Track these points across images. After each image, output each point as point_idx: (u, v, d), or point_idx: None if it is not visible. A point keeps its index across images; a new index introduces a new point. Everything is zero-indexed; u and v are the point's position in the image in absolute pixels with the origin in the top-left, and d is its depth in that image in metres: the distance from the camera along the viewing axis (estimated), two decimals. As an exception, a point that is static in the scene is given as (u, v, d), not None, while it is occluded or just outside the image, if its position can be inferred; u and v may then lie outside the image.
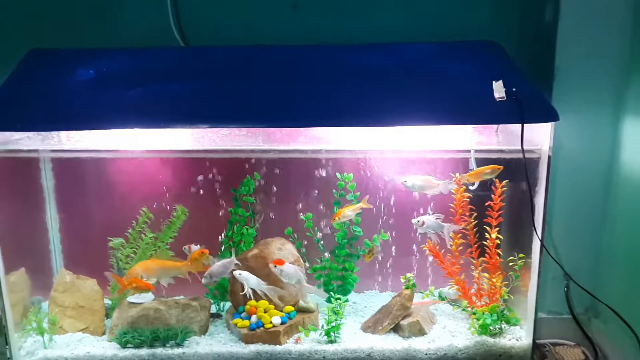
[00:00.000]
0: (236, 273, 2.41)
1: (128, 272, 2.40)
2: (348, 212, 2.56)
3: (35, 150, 2.59)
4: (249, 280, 2.41)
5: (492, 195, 2.47)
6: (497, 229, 2.48)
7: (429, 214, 2.69)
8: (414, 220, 2.48)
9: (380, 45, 2.46)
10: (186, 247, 2.54)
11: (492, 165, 2.38)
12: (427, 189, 2.47)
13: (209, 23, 2.67)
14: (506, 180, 2.45)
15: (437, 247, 2.59)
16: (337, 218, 2.56)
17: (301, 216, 2.70)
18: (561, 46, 2.36)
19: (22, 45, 2.45)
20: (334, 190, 2.67)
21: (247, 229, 2.71)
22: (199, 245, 2.55)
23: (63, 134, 2.40)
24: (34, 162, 2.68)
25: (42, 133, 2.40)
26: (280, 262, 2.40)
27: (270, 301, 2.49)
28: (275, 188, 2.74)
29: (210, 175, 2.72)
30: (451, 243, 2.54)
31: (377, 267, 2.87)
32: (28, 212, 2.71)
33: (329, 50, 2.44)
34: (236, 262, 2.45)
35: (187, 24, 2.64)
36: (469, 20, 2.64)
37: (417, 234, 2.68)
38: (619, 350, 2.42)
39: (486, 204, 2.49)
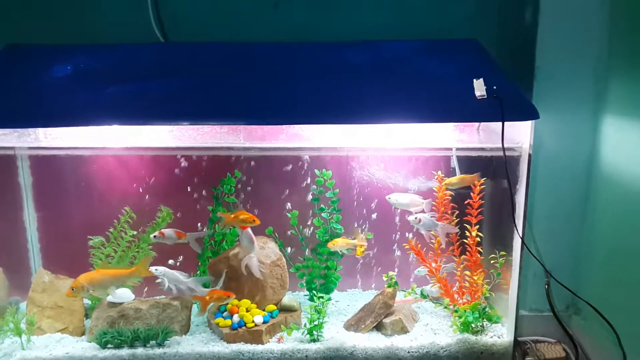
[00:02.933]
0: (152, 269, 2.40)
1: (73, 284, 2.34)
2: (342, 244, 2.59)
3: (12, 148, 2.55)
4: (167, 274, 2.40)
5: (472, 193, 2.48)
6: (477, 226, 2.49)
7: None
8: (410, 218, 2.49)
9: (361, 43, 2.45)
10: (156, 233, 2.50)
11: (472, 176, 2.46)
12: (411, 206, 2.53)
13: (189, 19, 2.64)
14: (485, 178, 2.46)
15: (419, 245, 2.59)
16: (330, 245, 2.59)
17: (288, 214, 2.69)
18: (541, 45, 2.37)
19: (-1, 40, 2.41)
20: (313, 187, 2.67)
21: (230, 229, 2.69)
22: (173, 230, 2.53)
23: (40, 131, 2.36)
24: (11, 159, 2.64)
25: (19, 130, 2.36)
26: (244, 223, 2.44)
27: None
28: (256, 186, 2.73)
29: (191, 173, 2.70)
30: (433, 241, 2.55)
31: (359, 265, 2.87)
32: (5, 211, 2.68)
33: (309, 47, 2.43)
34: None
35: (167, 19, 2.62)
36: (450, 19, 2.65)
37: (404, 223, 2.68)
38: (599, 346, 2.44)
39: (466, 202, 2.50)
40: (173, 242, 2.52)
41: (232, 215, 2.45)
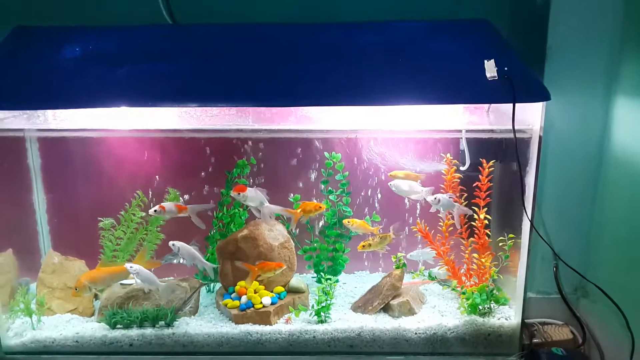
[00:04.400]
0: (127, 265, 2.39)
1: (75, 284, 2.36)
2: (359, 226, 2.61)
3: (21, 130, 2.55)
4: (141, 273, 2.40)
5: (480, 176, 2.47)
6: (486, 209, 2.48)
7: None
8: (429, 198, 2.49)
9: (370, 24, 2.42)
10: (157, 207, 2.46)
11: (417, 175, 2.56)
12: (411, 194, 2.55)
13: (197, 1, 2.62)
14: (493, 161, 2.44)
15: (427, 227, 2.59)
16: (346, 222, 2.61)
17: (290, 198, 2.69)
18: (553, 26, 2.34)
19: (6, 22, 2.39)
20: (322, 170, 2.66)
21: (239, 211, 2.69)
22: (173, 203, 2.51)
23: (49, 112, 2.36)
24: (20, 141, 2.64)
25: (28, 112, 2.36)
26: (242, 188, 2.43)
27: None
28: (266, 168, 2.74)
29: (199, 155, 2.70)
30: (445, 223, 2.56)
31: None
32: (15, 193, 2.69)
33: (318, 28, 2.40)
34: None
35: (176, 1, 2.59)
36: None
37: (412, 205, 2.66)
38: (606, 329, 2.45)
39: (474, 184, 2.49)
40: (174, 216, 2.50)
41: (299, 210, 2.51)
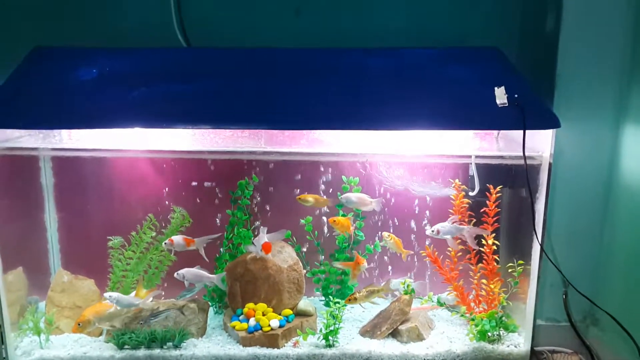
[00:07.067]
0: (106, 295, 2.40)
1: (78, 319, 2.37)
2: (395, 245, 2.63)
3: (35, 149, 2.58)
4: (119, 300, 2.40)
5: (487, 202, 2.47)
6: (494, 234, 2.48)
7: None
8: (428, 231, 2.49)
9: (382, 50, 2.46)
10: (167, 241, 2.51)
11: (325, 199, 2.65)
12: (361, 205, 2.60)
13: (212, 24, 2.68)
14: (501, 186, 2.45)
15: (436, 252, 2.59)
16: (386, 235, 2.63)
17: (302, 220, 2.70)
18: (563, 53, 2.37)
19: (25, 43, 2.44)
20: (338, 193, 2.67)
21: (243, 231, 2.70)
22: (181, 237, 2.53)
23: (64, 132, 2.40)
24: (34, 160, 2.67)
25: (44, 131, 2.39)
26: (268, 248, 2.49)
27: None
28: (276, 190, 2.75)
29: (212, 176, 2.72)
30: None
31: (376, 272, 2.87)
32: (27, 211, 2.70)
33: (331, 53, 2.44)
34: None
35: (190, 25, 2.65)
36: (471, 26, 2.66)
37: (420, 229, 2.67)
38: (617, 358, 2.42)
39: (482, 210, 2.49)
40: (183, 249, 2.52)
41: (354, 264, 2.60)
